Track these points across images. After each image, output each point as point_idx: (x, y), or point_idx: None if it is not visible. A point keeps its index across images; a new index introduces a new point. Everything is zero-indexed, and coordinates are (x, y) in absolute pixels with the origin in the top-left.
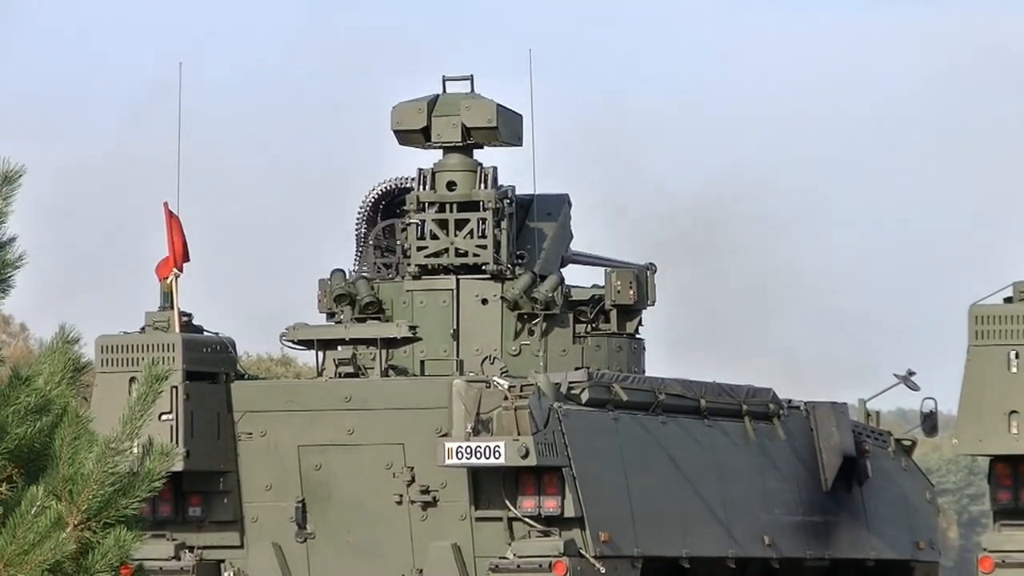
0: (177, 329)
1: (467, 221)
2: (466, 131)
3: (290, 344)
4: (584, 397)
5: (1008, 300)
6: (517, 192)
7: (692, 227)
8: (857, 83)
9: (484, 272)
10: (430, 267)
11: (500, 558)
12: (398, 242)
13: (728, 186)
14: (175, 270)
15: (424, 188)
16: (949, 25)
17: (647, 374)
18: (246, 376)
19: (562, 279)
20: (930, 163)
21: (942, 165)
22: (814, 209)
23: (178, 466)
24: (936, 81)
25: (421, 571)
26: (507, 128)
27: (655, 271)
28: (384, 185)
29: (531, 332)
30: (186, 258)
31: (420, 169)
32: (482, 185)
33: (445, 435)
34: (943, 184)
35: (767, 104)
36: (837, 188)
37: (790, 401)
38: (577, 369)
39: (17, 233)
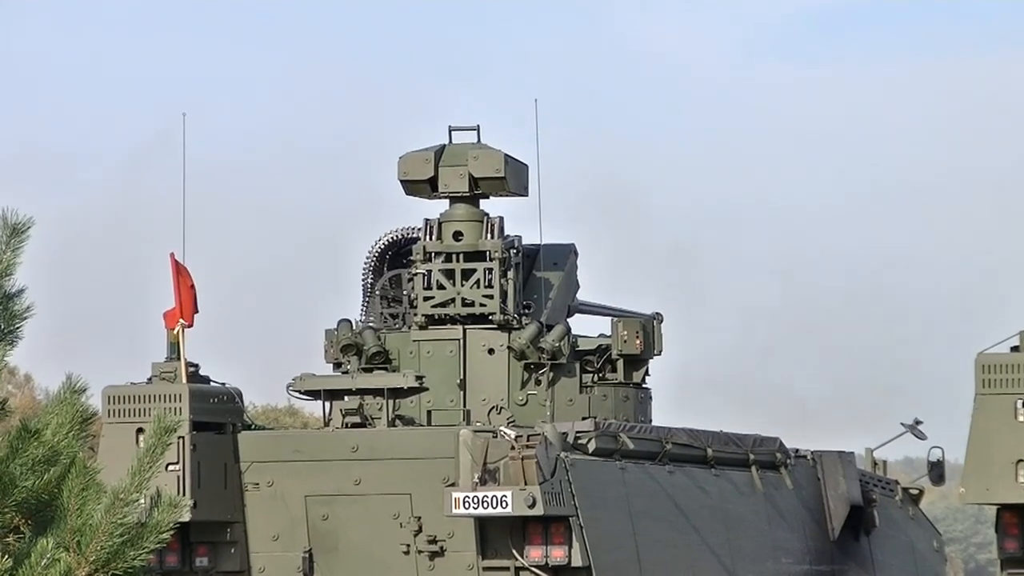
0: (184, 379)
1: (474, 271)
2: (473, 181)
3: (297, 394)
4: (591, 447)
5: (1015, 349)
6: (524, 242)
7: (696, 273)
8: (864, 130)
9: (491, 322)
10: (437, 317)
11: None
12: (405, 292)
13: (734, 234)
14: (181, 321)
15: (430, 238)
16: (955, 74)
17: (654, 423)
18: (253, 426)
19: (569, 329)
20: (937, 209)
21: (950, 210)
22: (818, 256)
23: (185, 516)
24: (945, 127)
25: None
26: (514, 178)
27: (662, 320)
28: (390, 235)
29: (538, 382)
30: (195, 308)
31: (426, 219)
32: (488, 235)
33: (452, 485)
34: (951, 231)
35: (771, 150)
36: (842, 235)
37: (797, 450)
38: (584, 419)
39: (26, 285)
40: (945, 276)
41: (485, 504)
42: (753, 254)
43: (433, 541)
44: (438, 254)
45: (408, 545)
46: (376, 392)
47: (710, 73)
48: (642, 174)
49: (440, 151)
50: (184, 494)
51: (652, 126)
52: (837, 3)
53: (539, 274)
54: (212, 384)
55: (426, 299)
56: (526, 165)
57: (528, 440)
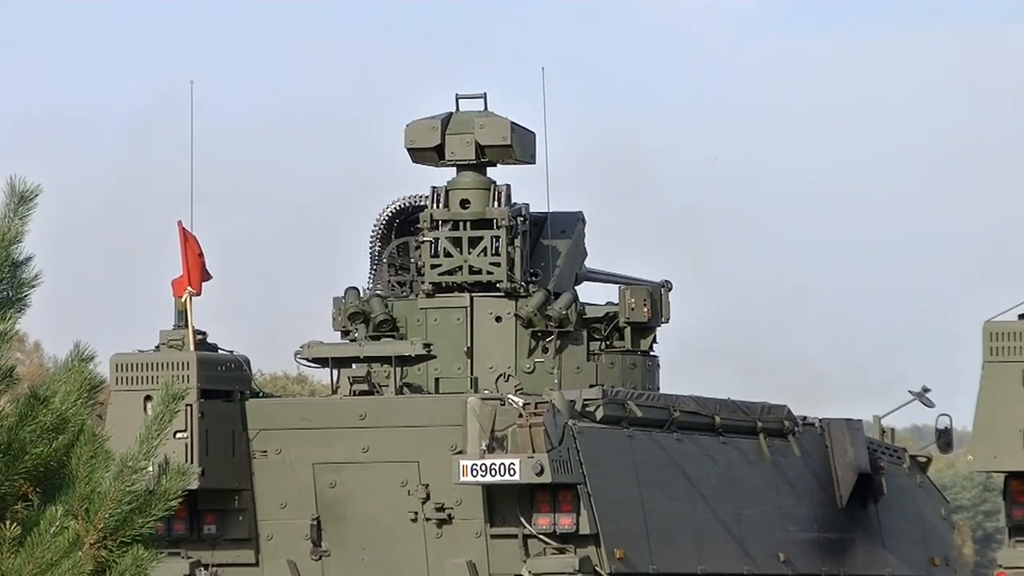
0: (192, 347)
1: (481, 239)
2: (480, 149)
3: (305, 362)
4: (599, 414)
5: (1022, 317)
6: (531, 210)
7: (705, 241)
8: (874, 100)
9: (498, 290)
10: (444, 285)
11: (515, 575)
12: (412, 260)
13: (742, 203)
14: (189, 289)
15: (438, 206)
16: (968, 44)
17: (661, 391)
18: (261, 394)
19: (576, 296)
20: (945, 177)
21: (958, 179)
22: (827, 224)
23: (193, 484)
24: (955, 95)
25: None
26: (521, 146)
27: (670, 288)
28: (398, 203)
29: (545, 350)
30: (206, 276)
31: (434, 187)
32: (495, 203)
33: (460, 452)
34: (960, 199)
35: (779, 121)
36: (851, 202)
37: (805, 418)
38: (592, 386)
39: (33, 253)
40: (952, 244)
41: (493, 472)
42: (759, 222)
43: (441, 509)
44: (445, 222)
45: (416, 513)
46: (384, 360)
47: (717, 40)
48: (650, 141)
49: (447, 119)
50: (192, 462)
51: (660, 93)
52: None
53: (546, 242)
54: (220, 352)
55: (433, 267)
56: (533, 133)
57: (536, 408)
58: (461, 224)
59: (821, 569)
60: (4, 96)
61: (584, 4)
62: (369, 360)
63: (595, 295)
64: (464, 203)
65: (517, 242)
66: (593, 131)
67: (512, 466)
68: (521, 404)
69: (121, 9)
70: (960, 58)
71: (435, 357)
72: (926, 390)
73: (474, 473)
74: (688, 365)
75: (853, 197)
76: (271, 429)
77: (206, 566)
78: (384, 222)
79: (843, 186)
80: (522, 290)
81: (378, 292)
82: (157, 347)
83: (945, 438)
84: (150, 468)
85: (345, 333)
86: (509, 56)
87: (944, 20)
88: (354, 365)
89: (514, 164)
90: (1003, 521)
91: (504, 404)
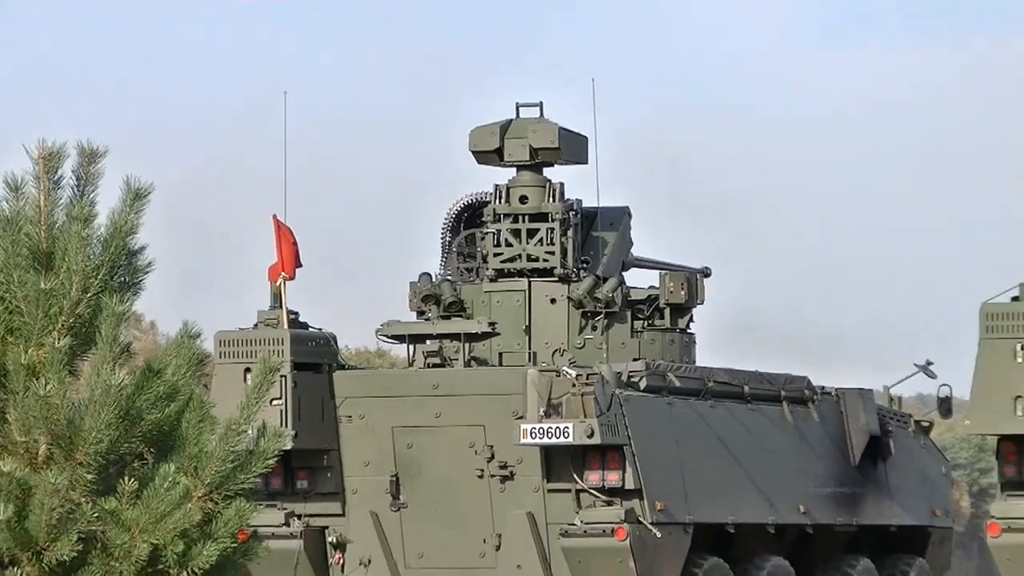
0: (286, 325)
1: (538, 231)
2: (533, 151)
3: (384, 339)
4: (642, 384)
5: (1015, 299)
6: (583, 205)
7: (736, 231)
8: (898, 98)
9: (553, 275)
10: (505, 271)
11: (569, 525)
12: (478, 249)
13: (768, 195)
14: (283, 274)
15: (500, 202)
16: (991, 49)
17: (697, 364)
18: (346, 366)
19: (622, 281)
20: (947, 170)
21: (959, 172)
22: (851, 213)
23: (288, 445)
24: (978, 96)
25: (500, 536)
26: (569, 148)
27: (709, 275)
28: (466, 199)
29: (594, 328)
30: (299, 263)
31: (496, 185)
32: (551, 199)
33: (521, 418)
34: (963, 191)
35: (808, 121)
36: (875, 194)
37: (823, 387)
38: (635, 360)
39: (147, 242)
40: (958, 234)
41: (549, 434)
42: (787, 210)
43: (504, 467)
44: (506, 215)
45: (482, 470)
46: (454, 336)
47: (758, 43)
48: (690, 139)
49: (506, 125)
50: (286, 426)
51: (703, 97)
52: None
53: (596, 233)
54: (310, 330)
55: (496, 255)
56: (584, 137)
57: (587, 379)
58: (520, 217)
59: (836, 519)
60: (118, 99)
61: (635, 11)
62: (441, 337)
63: (640, 280)
64: (523, 199)
65: (570, 233)
66: (642, 133)
67: (566, 429)
68: (574, 375)
69: (215, 11)
70: (988, 61)
71: (498, 334)
72: (929, 363)
73: (533, 436)
74: (721, 341)
75: (878, 188)
76: (355, 397)
77: (299, 516)
78: (454, 216)
79: (866, 179)
80: (574, 275)
81: (448, 277)
82: (255, 326)
83: (946, 405)
84: (250, 431)
85: (420, 313)
86: (567, 65)
87: (977, 25)
88: (428, 341)
89: (564, 164)
90: (996, 478)
91: (559, 375)
